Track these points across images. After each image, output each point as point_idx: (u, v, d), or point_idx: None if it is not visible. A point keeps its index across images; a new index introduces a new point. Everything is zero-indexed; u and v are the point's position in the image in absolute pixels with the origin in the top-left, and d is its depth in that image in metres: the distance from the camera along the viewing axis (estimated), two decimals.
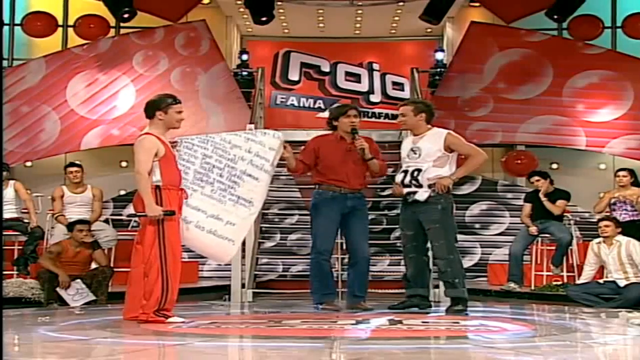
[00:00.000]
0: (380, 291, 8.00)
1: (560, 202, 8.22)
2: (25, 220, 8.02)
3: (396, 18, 12.29)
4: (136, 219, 6.18)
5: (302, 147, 6.57)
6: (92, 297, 7.10)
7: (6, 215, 7.94)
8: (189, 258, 8.99)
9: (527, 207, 8.38)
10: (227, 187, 5.67)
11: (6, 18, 11.82)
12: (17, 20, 11.89)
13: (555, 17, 11.06)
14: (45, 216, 8.56)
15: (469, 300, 6.13)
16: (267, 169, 5.77)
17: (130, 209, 8.34)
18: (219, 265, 8.76)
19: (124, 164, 11.09)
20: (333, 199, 6.27)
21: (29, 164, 10.63)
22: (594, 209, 8.46)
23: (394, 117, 13.37)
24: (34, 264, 7.68)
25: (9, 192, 8.05)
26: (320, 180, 6.37)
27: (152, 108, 5.40)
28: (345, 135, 6.32)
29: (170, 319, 5.10)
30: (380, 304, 6.58)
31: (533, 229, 8.17)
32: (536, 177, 8.39)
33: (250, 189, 5.68)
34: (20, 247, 8.02)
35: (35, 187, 9.46)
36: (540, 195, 8.23)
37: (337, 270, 7.50)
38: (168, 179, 5.29)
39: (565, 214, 8.43)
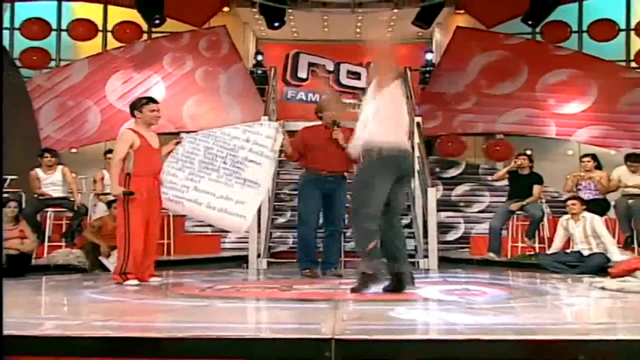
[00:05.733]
0: None
1: (536, 189, 8.18)
2: (72, 199, 8.06)
3: (391, 24, 12.23)
4: None
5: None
6: None
7: (55, 194, 8.01)
8: (211, 232, 9.03)
9: (503, 170, 8.47)
10: (233, 172, 5.74)
11: (54, 24, 11.84)
12: (64, 26, 11.88)
13: (530, 22, 11.01)
14: (88, 195, 8.61)
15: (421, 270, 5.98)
16: (267, 154, 5.81)
17: None
18: (238, 238, 8.81)
19: None
20: (316, 180, 6.20)
21: (74, 150, 10.67)
22: (563, 188, 8.43)
23: None
24: (79, 236, 7.73)
25: (57, 175, 8.08)
26: (306, 164, 6.32)
27: (131, 108, 5.55)
28: (329, 125, 6.22)
29: (126, 282, 5.25)
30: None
31: (514, 206, 8.14)
32: (523, 157, 8.34)
33: (254, 172, 5.75)
34: (67, 222, 8.09)
35: (79, 170, 9.48)
36: (513, 163, 8.28)
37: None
38: (140, 168, 5.36)
39: None
